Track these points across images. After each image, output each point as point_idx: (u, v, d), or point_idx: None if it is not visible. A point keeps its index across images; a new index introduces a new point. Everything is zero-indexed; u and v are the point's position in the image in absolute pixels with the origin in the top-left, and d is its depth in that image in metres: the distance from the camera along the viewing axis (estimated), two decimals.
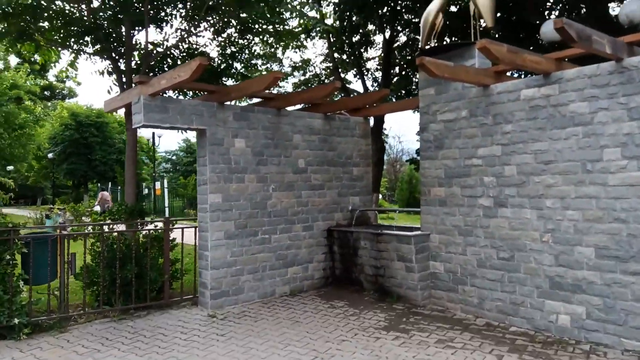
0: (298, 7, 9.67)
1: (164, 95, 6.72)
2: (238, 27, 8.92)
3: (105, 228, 6.81)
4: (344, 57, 16.57)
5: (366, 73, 18.10)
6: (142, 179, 37.02)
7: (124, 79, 8.00)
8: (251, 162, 6.82)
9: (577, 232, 5.07)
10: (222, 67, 9.14)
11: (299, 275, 7.30)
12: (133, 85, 7.17)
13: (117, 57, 8.29)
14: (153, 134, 29.23)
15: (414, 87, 16.65)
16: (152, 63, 8.31)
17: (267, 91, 7.12)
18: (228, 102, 6.76)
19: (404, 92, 15.61)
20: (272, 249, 6.97)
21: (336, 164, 7.91)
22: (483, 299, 5.89)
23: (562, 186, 5.21)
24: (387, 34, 14.45)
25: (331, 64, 16.97)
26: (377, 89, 18.31)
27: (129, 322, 5.97)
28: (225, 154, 6.55)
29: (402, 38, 15.38)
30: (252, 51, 9.84)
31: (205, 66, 4.78)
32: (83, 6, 7.70)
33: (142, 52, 8.32)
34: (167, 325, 5.81)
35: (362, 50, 16.20)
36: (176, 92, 8.76)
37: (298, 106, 7.91)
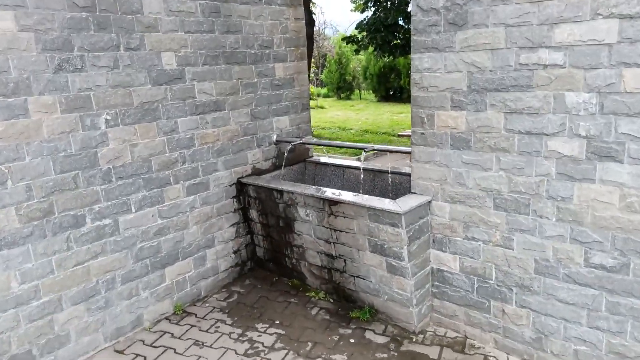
0: None
1: None
2: None
3: None
4: None
5: None
6: None
7: None
8: (40, 65, 2.98)
9: None
10: None
11: (188, 274, 3.99)
12: None
13: None
14: None
15: None
16: None
17: None
18: None
19: None
20: (122, 242, 3.50)
21: (243, 58, 4.21)
22: (547, 334, 3.04)
23: None
24: None
25: None
26: None
27: None
28: None
29: None
30: None
31: None
32: None
33: None
34: None
35: None
36: None
37: None
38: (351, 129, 14.40)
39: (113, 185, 3.39)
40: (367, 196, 3.53)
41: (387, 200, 3.41)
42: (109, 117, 3.32)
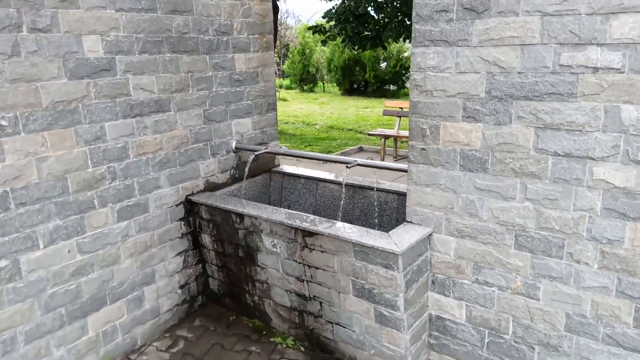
0: None
1: None
2: None
3: None
4: None
5: None
6: None
7: None
8: None
9: None
10: None
11: (119, 320, 3.13)
12: None
13: None
14: None
15: None
16: None
17: None
18: None
19: None
20: (26, 289, 2.61)
21: (194, 46, 3.36)
22: None
23: None
24: None
25: None
26: None
27: None
28: None
29: None
30: None
31: None
32: None
33: None
34: None
35: None
36: None
37: None
38: (316, 124, 13.65)
39: (11, 215, 2.49)
40: (352, 227, 2.79)
41: (377, 233, 2.69)
42: (4, 123, 2.42)
